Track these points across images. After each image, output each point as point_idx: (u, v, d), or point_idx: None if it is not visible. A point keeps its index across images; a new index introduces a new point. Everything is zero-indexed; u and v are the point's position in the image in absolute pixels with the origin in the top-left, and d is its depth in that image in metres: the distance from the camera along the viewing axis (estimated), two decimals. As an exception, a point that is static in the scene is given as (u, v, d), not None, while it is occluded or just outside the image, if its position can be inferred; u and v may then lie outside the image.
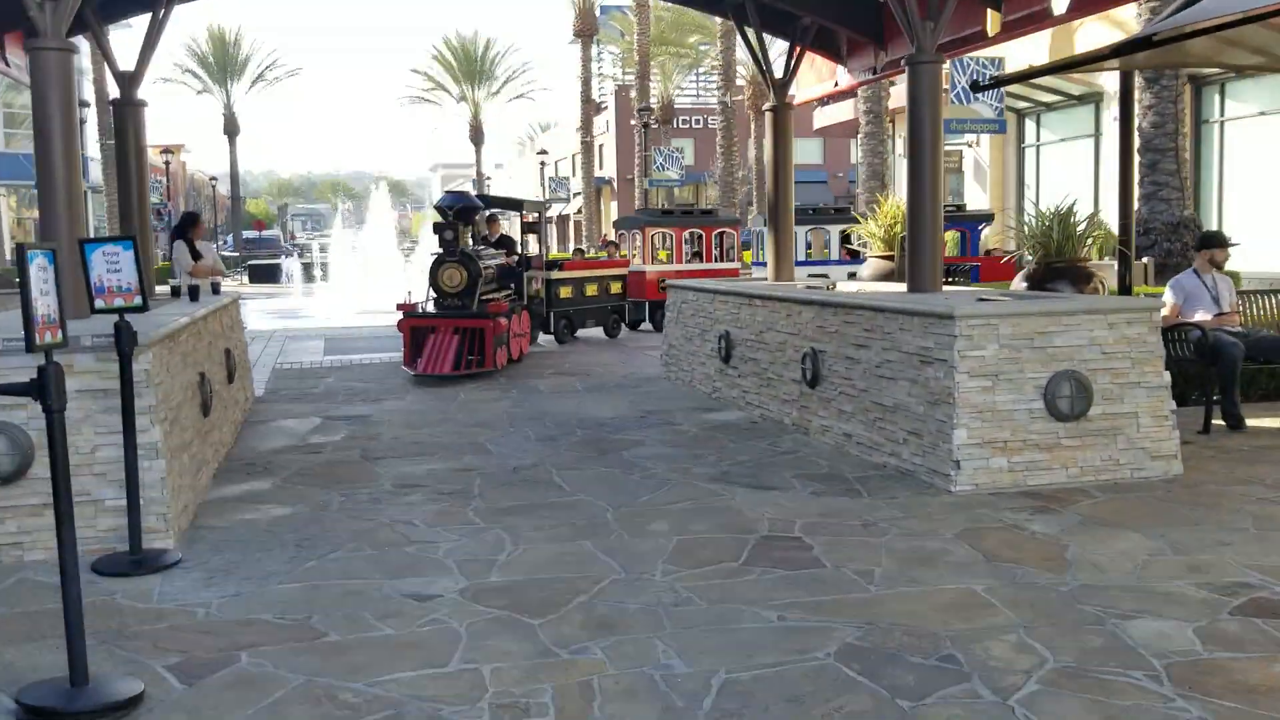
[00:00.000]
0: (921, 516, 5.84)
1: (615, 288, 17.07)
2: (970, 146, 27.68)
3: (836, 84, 10.94)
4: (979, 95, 18.14)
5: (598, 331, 17.07)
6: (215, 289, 9.47)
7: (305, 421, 9.31)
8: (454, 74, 65.20)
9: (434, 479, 7.03)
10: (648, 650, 4.06)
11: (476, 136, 65.95)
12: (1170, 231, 14.84)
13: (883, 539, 5.45)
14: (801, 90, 10.54)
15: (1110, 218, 18.18)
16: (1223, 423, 7.90)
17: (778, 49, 11.50)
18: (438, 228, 12.30)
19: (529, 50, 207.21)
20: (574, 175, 59.92)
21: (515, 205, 14.93)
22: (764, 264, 18.55)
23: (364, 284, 25.25)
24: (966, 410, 6.34)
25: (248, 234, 62.25)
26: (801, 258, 18.62)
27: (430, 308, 12.23)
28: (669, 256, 17.91)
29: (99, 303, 4.94)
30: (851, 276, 14.98)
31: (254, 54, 62.24)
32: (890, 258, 12.27)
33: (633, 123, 38.86)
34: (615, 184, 57.20)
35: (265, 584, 4.89)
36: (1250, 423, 7.97)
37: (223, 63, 60.62)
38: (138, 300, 4.92)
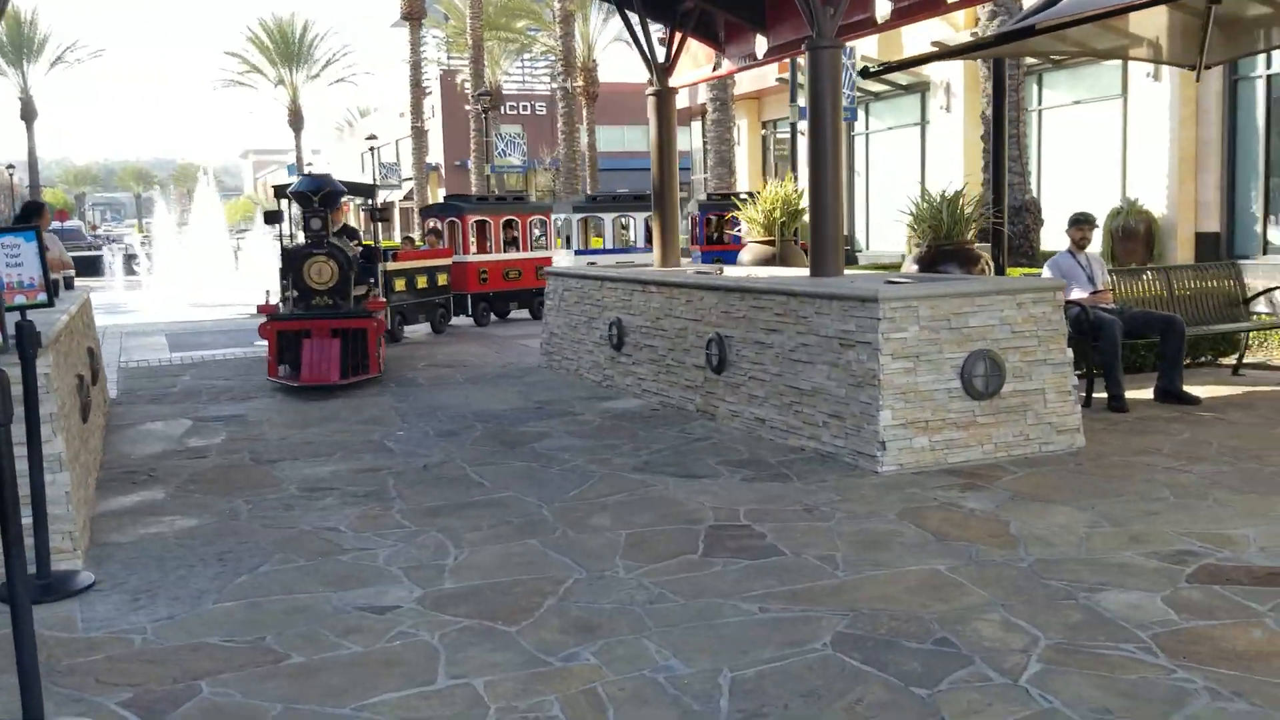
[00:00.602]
0: (857, 499, 5.86)
1: (442, 279, 15.88)
2: (802, 135, 28.35)
3: (716, 68, 10.91)
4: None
5: (426, 327, 16.01)
6: (69, 284, 8.73)
7: (175, 424, 8.70)
8: (270, 56, 62.72)
9: (341, 481, 6.65)
10: (640, 652, 3.90)
11: (295, 121, 63.67)
12: (1014, 214, 15.50)
13: (829, 523, 5.44)
14: (678, 76, 10.45)
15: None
16: (1103, 395, 8.25)
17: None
18: (271, 217, 11.28)
19: (349, 33, 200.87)
20: (398, 160, 58.50)
21: (369, 191, 14.29)
22: (589, 251, 18.32)
23: (193, 277, 23.98)
24: (890, 392, 6.40)
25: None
26: (610, 245, 18.45)
27: (292, 308, 10.56)
28: (489, 245, 16.91)
29: (-8, 301, 4.41)
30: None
31: (53, 34, 58.34)
32: (771, 243, 12.37)
33: (467, 108, 38.11)
34: (443, 170, 56.15)
35: (199, 604, 4.50)
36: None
37: (18, 43, 56.54)
38: (42, 297, 4.44)
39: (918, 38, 22.30)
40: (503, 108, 48.93)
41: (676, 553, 5.03)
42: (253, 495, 6.32)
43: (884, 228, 27.12)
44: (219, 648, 4.03)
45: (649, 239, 18.66)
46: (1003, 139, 9.46)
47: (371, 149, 46.46)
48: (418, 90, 47.02)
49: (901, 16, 8.24)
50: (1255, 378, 9.45)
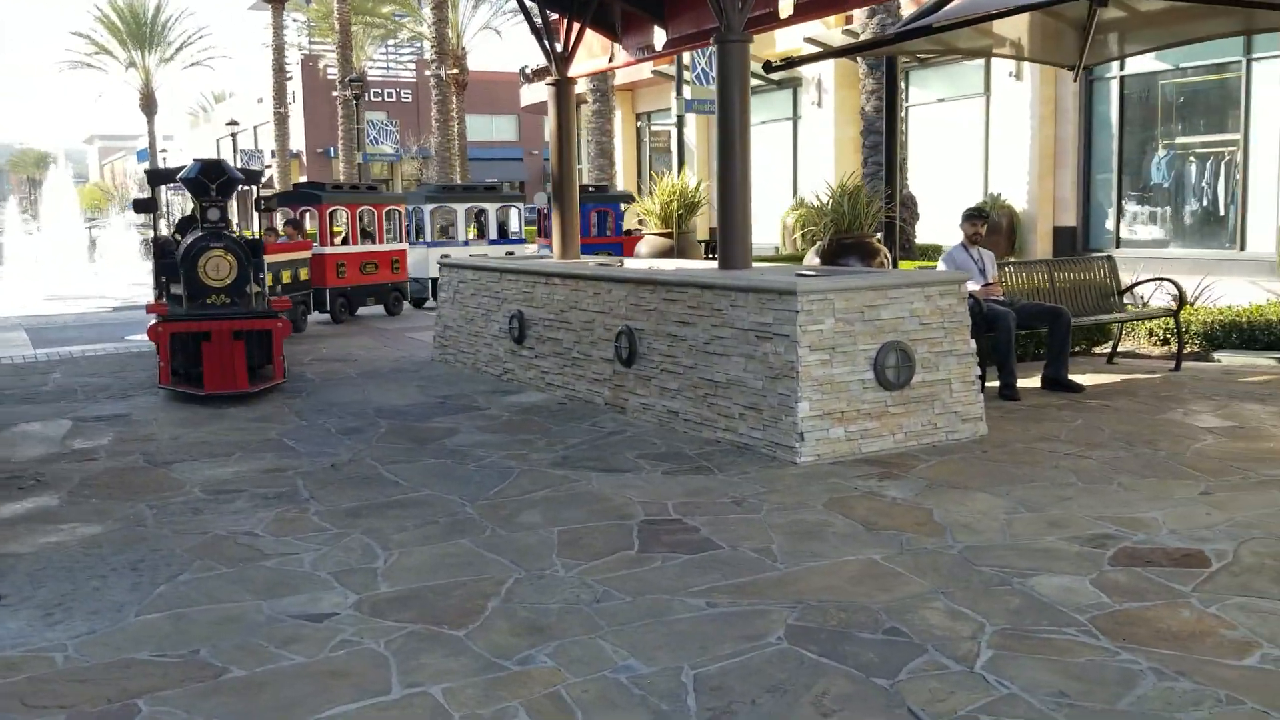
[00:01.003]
0: (783, 490, 5.92)
1: (304, 274, 15.07)
2: (709, 127, 28.51)
3: (611, 60, 10.86)
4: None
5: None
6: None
7: (54, 425, 8.23)
8: (121, 38, 60.02)
9: (248, 482, 6.39)
10: (597, 653, 3.85)
11: (148, 105, 61.20)
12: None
13: (759, 515, 5.48)
14: (576, 66, 10.37)
15: (811, 195, 19.25)
16: (994, 384, 8.52)
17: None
18: (143, 206, 10.58)
19: (206, 15, 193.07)
20: (259, 148, 56.68)
21: (254, 178, 13.72)
22: (438, 243, 17.85)
23: (48, 269, 22.79)
24: (808, 383, 6.48)
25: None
26: (463, 238, 17.98)
27: (185, 307, 9.52)
28: (346, 237, 16.10)
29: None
30: (509, 255, 14.75)
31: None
32: (669, 234, 12.39)
33: (335, 94, 37.06)
34: (305, 157, 54.64)
35: (120, 617, 4.25)
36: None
37: None
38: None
39: (791, 35, 22.67)
40: (367, 95, 47.88)
41: (613, 549, 4.99)
42: (155, 499, 6.02)
43: (756, 221, 27.49)
44: (151, 663, 3.82)
45: (502, 232, 18.31)
46: (895, 134, 9.68)
47: (233, 135, 44.85)
48: (281, 75, 45.63)
49: (804, 12, 8.34)
50: (1129, 366, 9.91)
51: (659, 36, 10.02)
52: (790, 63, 8.93)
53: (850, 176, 9.96)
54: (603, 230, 17.07)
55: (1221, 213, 19.66)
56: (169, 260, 10.43)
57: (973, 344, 7.15)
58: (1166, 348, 10.71)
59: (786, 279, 6.73)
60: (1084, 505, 5.51)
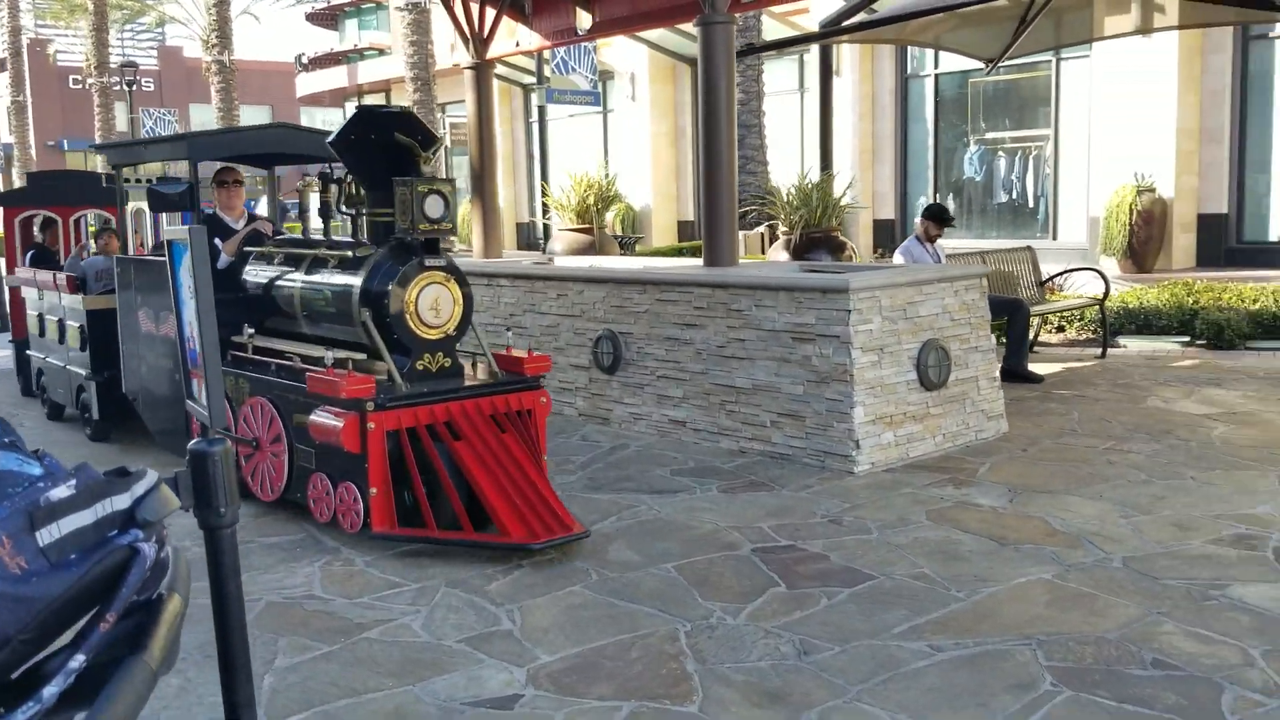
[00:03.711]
0: (867, 504, 5.46)
1: None
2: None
3: (518, 44, 10.08)
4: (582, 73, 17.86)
5: None
6: None
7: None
8: None
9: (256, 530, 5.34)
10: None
11: None
12: (756, 201, 15.76)
13: (872, 535, 5.00)
14: (495, 47, 9.56)
15: (627, 187, 18.80)
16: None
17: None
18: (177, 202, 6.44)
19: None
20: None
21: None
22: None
23: None
24: (861, 387, 6.05)
25: None
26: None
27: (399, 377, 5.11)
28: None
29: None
30: None
31: None
32: (588, 230, 11.68)
33: (91, 82, 33.64)
34: (34, 150, 49.70)
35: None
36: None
37: None
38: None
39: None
40: (101, 80, 43.96)
41: (758, 588, 4.38)
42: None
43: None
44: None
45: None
46: (829, 124, 9.42)
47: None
48: (18, 60, 41.30)
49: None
50: (1050, 355, 10.04)
51: (583, 19, 9.34)
52: (768, 45, 8.49)
53: (810, 170, 9.62)
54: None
55: (1032, 204, 20.72)
56: (246, 293, 6.24)
57: (992, 339, 6.94)
58: (1062, 334, 11.00)
59: (835, 277, 6.27)
60: (1185, 504, 5.33)
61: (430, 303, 5.19)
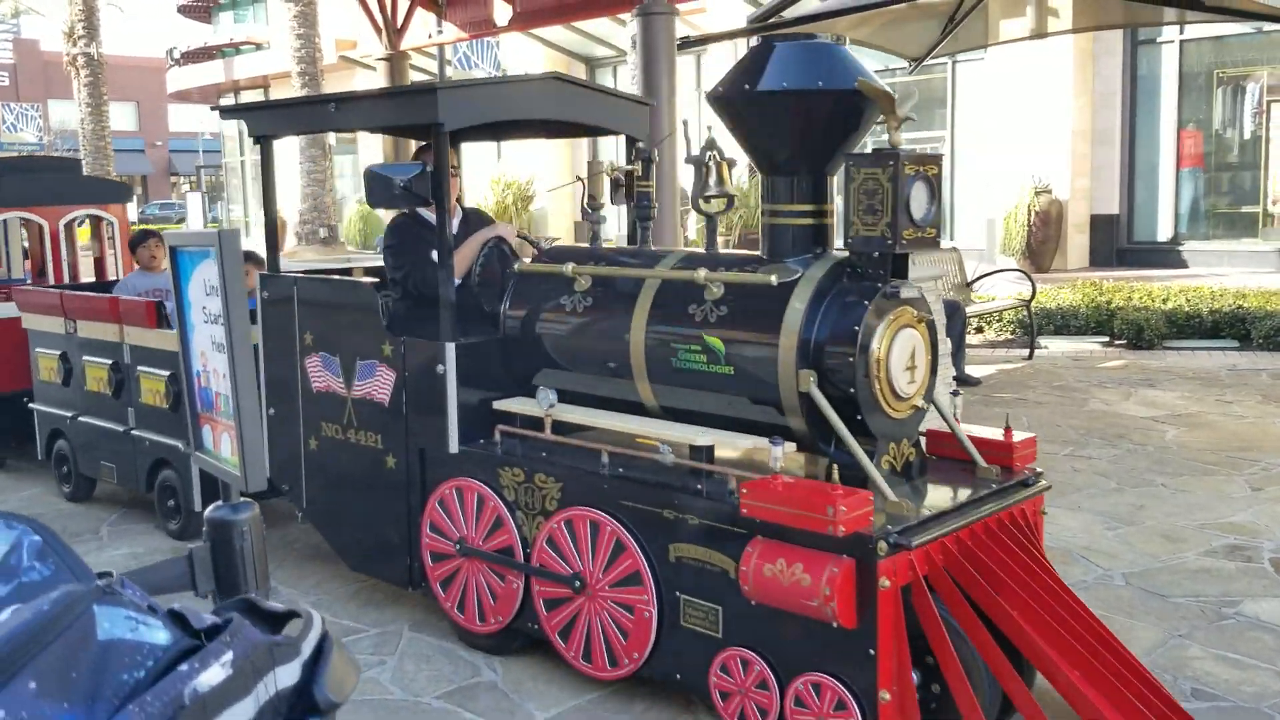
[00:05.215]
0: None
1: None
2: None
3: (431, 35, 9.60)
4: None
5: None
6: None
7: None
8: None
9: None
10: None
11: None
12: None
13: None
14: (408, 39, 9.07)
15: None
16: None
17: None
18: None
19: None
20: None
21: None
22: None
23: None
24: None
25: None
26: None
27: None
28: None
29: None
30: None
31: None
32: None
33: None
34: None
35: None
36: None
37: None
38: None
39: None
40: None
41: None
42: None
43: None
44: None
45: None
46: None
47: None
48: None
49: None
50: (976, 356, 10.00)
51: (502, 11, 8.91)
52: (705, 39, 8.18)
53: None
54: None
55: (929, 205, 20.97)
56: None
57: (949, 342, 6.77)
58: (981, 335, 11.02)
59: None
60: (1166, 513, 5.22)
61: (905, 358, 3.21)
